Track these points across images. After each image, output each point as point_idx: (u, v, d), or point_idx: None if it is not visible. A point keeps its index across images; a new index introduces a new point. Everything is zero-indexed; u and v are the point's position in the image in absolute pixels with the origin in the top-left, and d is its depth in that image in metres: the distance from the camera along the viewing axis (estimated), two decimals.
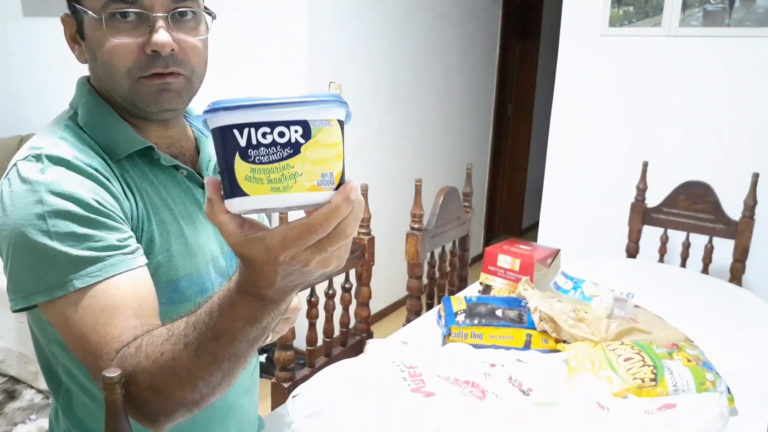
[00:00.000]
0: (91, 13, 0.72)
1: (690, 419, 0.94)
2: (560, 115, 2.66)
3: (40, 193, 0.68)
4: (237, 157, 0.48)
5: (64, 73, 3.14)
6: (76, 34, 0.77)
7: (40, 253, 0.67)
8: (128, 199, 0.75)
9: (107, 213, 0.70)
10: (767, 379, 1.21)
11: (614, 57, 2.48)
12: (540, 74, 4.47)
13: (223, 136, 0.48)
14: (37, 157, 0.71)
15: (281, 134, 0.48)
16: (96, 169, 0.72)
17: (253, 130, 0.48)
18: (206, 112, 0.49)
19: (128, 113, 0.80)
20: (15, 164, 0.72)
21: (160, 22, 0.72)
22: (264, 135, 0.48)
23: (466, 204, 1.98)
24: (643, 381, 1.07)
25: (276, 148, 0.48)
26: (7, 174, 0.72)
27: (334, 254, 0.55)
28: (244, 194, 0.49)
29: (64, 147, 0.73)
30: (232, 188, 0.49)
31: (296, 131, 0.49)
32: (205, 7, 0.79)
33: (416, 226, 1.70)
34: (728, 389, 1.08)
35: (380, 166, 3.03)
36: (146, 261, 0.73)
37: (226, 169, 0.49)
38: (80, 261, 0.67)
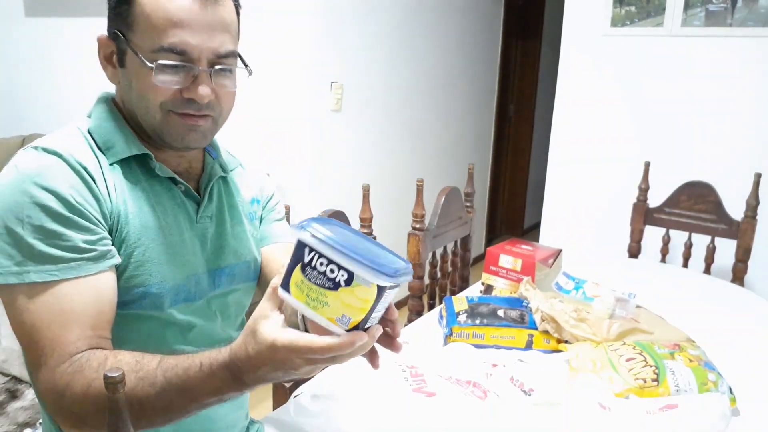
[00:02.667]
0: (137, 51, 0.77)
1: (692, 420, 0.94)
2: (562, 115, 2.66)
3: (25, 183, 0.72)
4: (298, 266, 0.63)
5: (66, 73, 3.15)
6: (112, 57, 0.81)
7: (10, 237, 0.71)
8: (110, 200, 0.78)
9: (82, 212, 0.74)
10: None
11: (616, 57, 2.48)
12: (542, 74, 4.47)
13: (298, 246, 0.63)
14: (35, 148, 0.77)
15: (332, 270, 0.61)
16: (85, 167, 0.76)
17: (316, 256, 0.62)
18: (299, 226, 0.63)
19: (146, 136, 0.84)
20: (17, 153, 0.78)
21: (203, 76, 0.78)
22: (321, 264, 0.62)
23: (468, 204, 1.98)
24: (645, 381, 1.07)
25: (323, 278, 0.62)
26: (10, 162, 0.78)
27: (319, 368, 0.66)
28: (288, 291, 0.64)
29: (63, 142, 0.78)
30: (284, 282, 0.64)
31: (342, 275, 0.61)
32: (244, 62, 0.85)
33: (418, 226, 1.70)
34: (730, 389, 1.08)
35: (382, 166, 3.03)
36: (113, 263, 0.76)
37: (290, 268, 0.64)
38: (42, 256, 0.71)
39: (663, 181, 2.26)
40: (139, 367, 0.69)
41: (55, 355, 0.70)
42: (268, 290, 0.66)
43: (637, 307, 1.38)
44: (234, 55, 0.82)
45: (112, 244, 0.78)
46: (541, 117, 4.54)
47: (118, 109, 0.85)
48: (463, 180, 2.05)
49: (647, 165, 2.18)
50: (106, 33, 0.81)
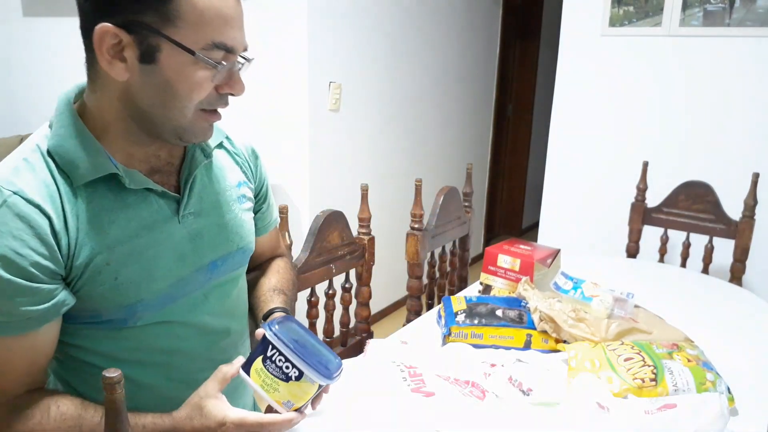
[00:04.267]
0: (198, 53, 0.73)
1: (690, 419, 0.94)
2: (560, 115, 2.66)
3: None
4: (260, 357, 0.80)
5: (64, 73, 3.14)
6: (123, 51, 0.72)
7: None
8: (68, 235, 0.74)
9: (24, 270, 0.70)
10: (767, 379, 1.21)
11: (614, 57, 2.48)
12: (540, 74, 4.47)
13: (263, 341, 0.80)
14: None
15: (287, 367, 0.80)
16: (39, 207, 0.71)
17: (276, 353, 0.80)
18: (269, 323, 0.82)
19: (133, 133, 0.79)
20: None
21: (238, 71, 0.79)
22: (279, 360, 0.79)
23: (467, 204, 1.98)
24: (644, 381, 1.07)
25: (278, 371, 0.80)
26: None
27: None
28: (248, 374, 0.80)
29: (20, 174, 0.73)
30: (246, 366, 0.81)
31: (294, 372, 0.80)
32: (246, 58, 0.84)
33: (416, 225, 1.70)
34: (728, 389, 1.08)
35: (380, 166, 3.03)
36: (58, 315, 0.76)
37: (252, 355, 0.81)
38: None
39: (661, 181, 2.26)
40: (80, 421, 0.74)
41: None
42: (218, 374, 0.80)
43: (636, 306, 1.38)
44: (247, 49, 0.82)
45: (75, 278, 0.76)
46: (539, 117, 4.55)
47: (84, 111, 0.79)
48: (462, 180, 2.05)
49: (645, 165, 2.19)
50: (105, 23, 0.70)
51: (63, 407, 0.75)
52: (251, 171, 1.00)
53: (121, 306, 0.79)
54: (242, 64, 0.79)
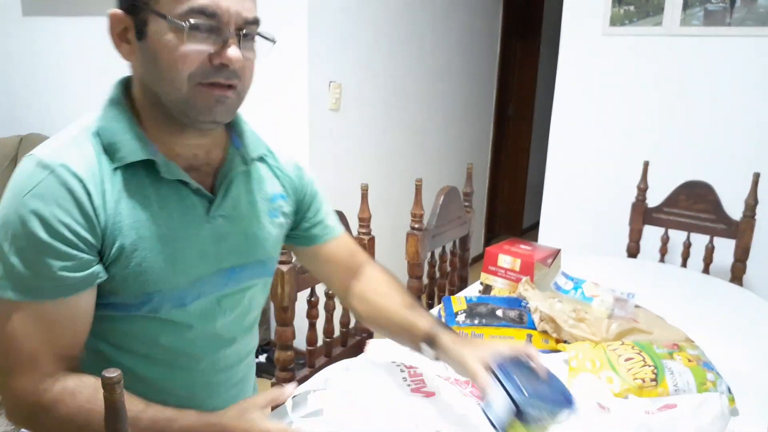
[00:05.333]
0: (167, 15, 0.73)
1: (691, 419, 0.93)
2: (561, 115, 2.66)
3: (17, 201, 0.73)
4: (512, 417, 0.81)
5: (63, 72, 3.14)
6: (127, 33, 0.77)
7: None
8: (105, 211, 0.76)
9: (65, 237, 0.73)
10: None
11: (615, 56, 2.48)
12: (541, 74, 4.47)
13: (510, 401, 0.81)
14: (33, 158, 0.75)
15: (541, 414, 0.82)
16: (80, 179, 0.74)
17: (530, 409, 0.81)
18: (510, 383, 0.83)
19: (164, 121, 0.80)
20: (22, 159, 0.77)
21: (233, 39, 0.76)
22: (532, 410, 0.81)
23: (467, 204, 1.98)
24: (644, 381, 1.07)
25: (535, 419, 0.81)
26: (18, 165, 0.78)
27: None
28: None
29: (62, 150, 0.76)
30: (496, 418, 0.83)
31: (548, 414, 0.82)
32: (264, 35, 0.83)
33: (416, 225, 1.69)
34: (729, 389, 1.08)
35: (380, 166, 3.03)
36: (93, 285, 0.77)
37: (497, 413, 0.82)
38: (20, 277, 0.73)
39: (662, 181, 2.26)
40: (128, 405, 0.73)
41: (36, 369, 0.74)
42: (270, 393, 0.87)
43: (636, 306, 1.38)
44: (258, 23, 0.80)
45: (106, 256, 0.77)
46: (540, 116, 4.54)
47: (131, 96, 0.82)
48: (462, 180, 2.05)
49: (646, 164, 2.18)
50: (116, 9, 0.77)
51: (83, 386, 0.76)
52: (292, 186, 0.99)
53: (139, 293, 0.80)
54: (242, 34, 0.76)
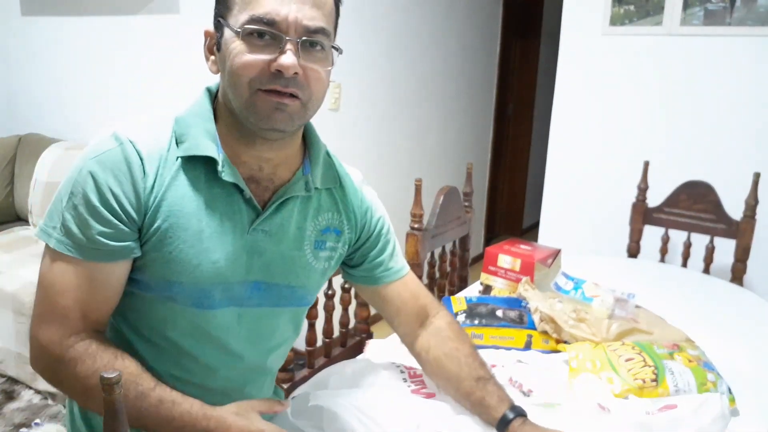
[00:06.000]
0: (232, 26, 0.78)
1: (691, 420, 0.93)
2: (561, 115, 2.66)
3: (85, 162, 0.79)
4: None
5: (63, 72, 3.14)
6: (214, 46, 0.83)
7: (58, 203, 0.79)
8: (153, 193, 0.80)
9: (112, 207, 0.78)
10: None
11: (615, 56, 2.48)
12: (541, 73, 4.47)
13: None
14: (113, 131, 0.80)
15: None
16: (142, 159, 0.79)
17: None
18: None
19: (236, 127, 0.83)
20: (108, 129, 0.82)
21: (290, 46, 0.77)
22: None
23: (467, 204, 1.97)
24: (644, 381, 1.07)
25: None
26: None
27: None
28: None
29: (143, 129, 0.81)
30: None
31: None
32: (333, 45, 0.84)
33: (416, 225, 1.69)
34: (729, 390, 1.08)
35: (380, 166, 3.03)
36: (127, 259, 0.81)
37: None
38: (67, 231, 0.78)
39: (662, 181, 2.26)
40: (138, 380, 0.77)
41: (65, 322, 0.78)
42: (269, 402, 0.89)
43: (637, 307, 1.37)
44: (325, 33, 0.80)
45: (143, 234, 0.80)
46: (540, 116, 4.54)
47: (216, 102, 0.86)
48: (462, 180, 2.05)
49: (646, 164, 2.18)
50: (209, 28, 0.84)
51: (126, 361, 0.79)
52: (354, 224, 0.98)
53: (161, 278, 0.82)
54: (299, 42, 0.77)
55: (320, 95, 0.83)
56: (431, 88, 3.33)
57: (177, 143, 0.81)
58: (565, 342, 1.25)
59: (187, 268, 0.81)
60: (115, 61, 2.72)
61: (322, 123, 2.92)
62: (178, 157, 0.81)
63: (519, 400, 1.01)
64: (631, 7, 2.40)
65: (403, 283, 1.04)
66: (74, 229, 0.77)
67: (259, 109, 0.78)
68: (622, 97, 2.50)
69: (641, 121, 2.47)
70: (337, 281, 1.53)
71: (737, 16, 2.22)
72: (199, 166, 0.82)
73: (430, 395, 1.00)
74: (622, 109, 2.51)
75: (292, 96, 0.78)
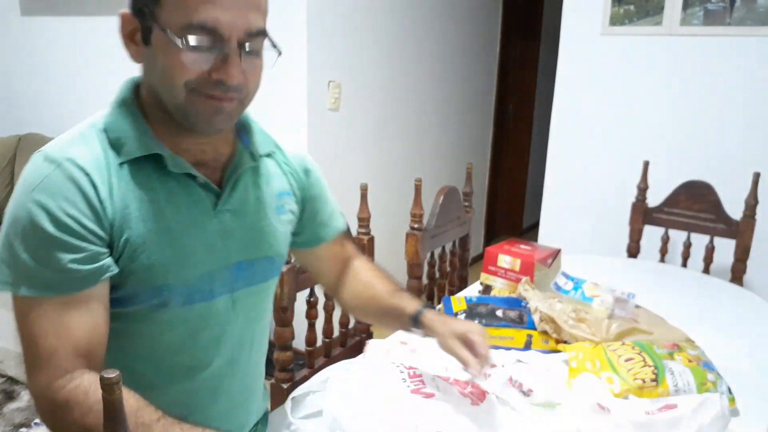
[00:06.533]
0: (166, 28, 0.72)
1: (691, 420, 0.93)
2: (561, 115, 2.66)
3: (26, 196, 0.73)
4: None
5: (62, 72, 3.14)
6: (135, 35, 0.77)
7: (9, 249, 0.74)
8: (113, 205, 0.76)
9: (73, 230, 0.73)
10: None
11: (615, 56, 2.48)
12: (540, 73, 4.47)
13: None
14: (41, 153, 0.76)
15: None
16: (87, 174, 0.74)
17: None
18: None
19: (170, 121, 0.80)
20: (32, 156, 0.78)
21: (234, 57, 0.75)
22: None
23: (467, 204, 1.97)
24: (644, 381, 1.07)
25: None
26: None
27: None
28: None
29: (74, 145, 0.77)
30: None
31: None
32: (273, 42, 0.81)
33: (416, 225, 1.69)
34: (729, 390, 1.08)
35: (380, 166, 3.03)
36: (105, 278, 0.76)
37: None
38: (32, 273, 0.73)
39: (662, 181, 2.26)
40: (140, 413, 0.72)
41: (51, 365, 0.73)
42: None
43: (636, 307, 1.37)
44: (264, 33, 0.79)
45: (114, 249, 0.77)
46: (539, 116, 4.54)
47: (140, 96, 0.82)
48: (462, 180, 2.05)
49: (646, 164, 2.18)
50: (128, 9, 0.77)
51: (125, 393, 0.73)
52: (299, 183, 0.99)
53: (147, 285, 0.79)
54: (242, 50, 0.75)
55: (257, 88, 0.82)
56: (431, 89, 3.33)
57: (115, 149, 0.78)
58: (565, 342, 1.25)
59: (170, 268, 0.80)
60: (115, 61, 2.73)
61: (321, 123, 2.94)
62: (122, 163, 0.78)
63: (519, 400, 1.01)
64: (631, 7, 2.40)
65: (339, 238, 1.09)
66: (38, 268, 0.73)
67: (198, 112, 0.76)
68: (621, 97, 2.50)
69: (641, 120, 2.47)
70: None
71: (737, 16, 2.22)
72: (146, 166, 0.79)
73: (429, 395, 1.00)
74: (621, 109, 2.51)
75: (230, 98, 0.77)
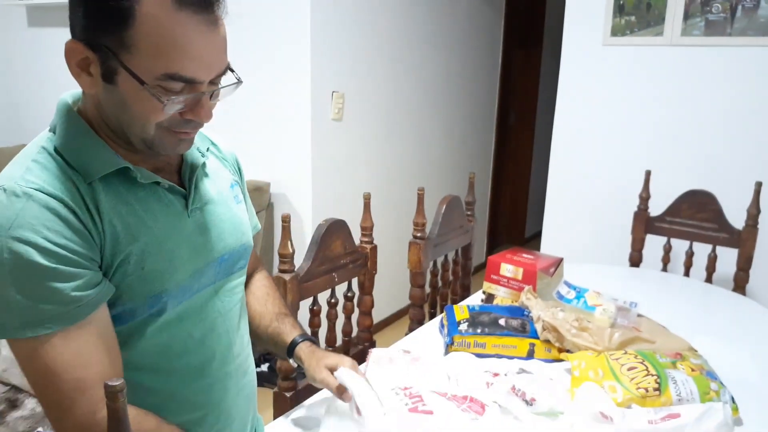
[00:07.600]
0: (139, 76, 0.71)
1: (694, 429, 0.93)
2: (563, 124, 2.67)
3: (10, 246, 0.68)
4: None
5: (68, 83, 3.16)
6: (89, 65, 0.74)
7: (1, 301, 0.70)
8: (96, 226, 0.75)
9: (66, 257, 0.71)
10: None
11: (616, 66, 2.49)
12: (542, 83, 4.48)
13: None
14: (4, 190, 0.71)
15: None
16: (62, 200, 0.72)
17: None
18: None
19: (124, 141, 0.79)
20: None
21: (206, 100, 0.77)
22: None
23: (469, 212, 1.98)
24: (647, 390, 1.07)
25: None
26: None
27: None
28: None
29: (34, 173, 0.73)
30: None
31: None
32: (236, 76, 0.81)
33: (419, 234, 1.70)
34: (732, 399, 1.08)
35: (383, 175, 3.04)
36: (106, 299, 0.76)
37: None
38: (35, 314, 0.70)
39: (664, 190, 2.26)
40: (141, 420, 0.74)
41: (85, 397, 0.72)
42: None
43: (639, 316, 1.38)
44: (230, 67, 0.80)
45: (109, 269, 0.77)
46: (542, 126, 4.55)
47: (82, 112, 0.80)
48: (464, 189, 2.05)
49: (648, 174, 2.19)
50: (76, 39, 0.73)
51: (142, 418, 0.77)
52: (237, 176, 1.03)
53: (147, 296, 0.80)
54: (213, 92, 0.77)
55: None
56: (433, 98, 3.34)
57: (77, 170, 0.75)
58: (568, 351, 1.25)
59: (165, 275, 0.81)
60: None
61: (325, 133, 2.96)
62: (90, 182, 0.75)
63: (521, 409, 1.01)
64: (632, 18, 2.41)
65: (255, 239, 1.10)
66: (38, 306, 0.70)
67: (164, 144, 0.79)
68: (623, 107, 2.51)
69: (643, 130, 2.48)
70: (340, 290, 1.54)
71: (738, 26, 2.23)
72: (113, 181, 0.78)
73: (428, 413, 1.00)
74: (623, 119, 2.52)
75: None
